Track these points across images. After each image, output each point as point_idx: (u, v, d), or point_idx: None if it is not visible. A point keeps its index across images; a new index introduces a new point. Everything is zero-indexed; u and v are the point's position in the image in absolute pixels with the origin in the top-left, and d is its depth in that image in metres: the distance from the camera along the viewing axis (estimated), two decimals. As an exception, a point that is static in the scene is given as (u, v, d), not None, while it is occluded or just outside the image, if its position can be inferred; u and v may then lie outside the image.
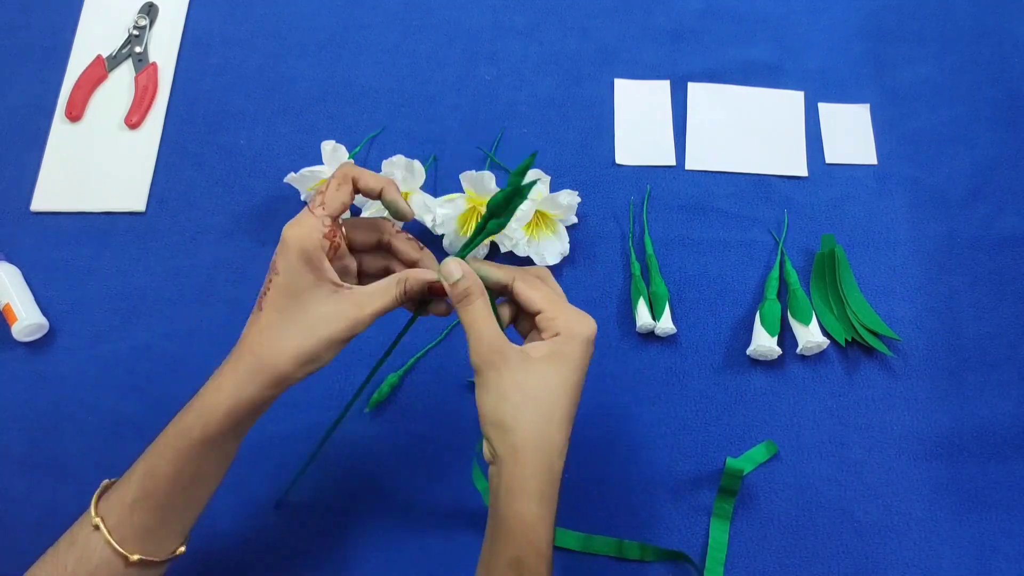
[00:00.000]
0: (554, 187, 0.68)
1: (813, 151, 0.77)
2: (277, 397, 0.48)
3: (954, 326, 0.70)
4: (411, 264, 0.51)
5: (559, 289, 0.51)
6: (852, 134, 0.77)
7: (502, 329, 0.49)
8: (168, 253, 0.72)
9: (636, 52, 0.81)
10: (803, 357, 0.68)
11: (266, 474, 0.63)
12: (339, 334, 0.46)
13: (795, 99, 0.79)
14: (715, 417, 0.66)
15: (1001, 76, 0.80)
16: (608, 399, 0.66)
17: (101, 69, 0.79)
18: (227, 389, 0.47)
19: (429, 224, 0.68)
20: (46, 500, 0.63)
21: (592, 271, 0.71)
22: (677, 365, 0.68)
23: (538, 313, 0.48)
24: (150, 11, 0.82)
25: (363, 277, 0.52)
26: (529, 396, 0.46)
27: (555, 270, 0.70)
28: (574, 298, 0.50)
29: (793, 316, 0.68)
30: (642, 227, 0.73)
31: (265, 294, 0.47)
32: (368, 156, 0.76)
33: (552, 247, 0.69)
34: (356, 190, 0.49)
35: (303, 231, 0.47)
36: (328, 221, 0.47)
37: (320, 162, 0.69)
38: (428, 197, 0.69)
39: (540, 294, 0.49)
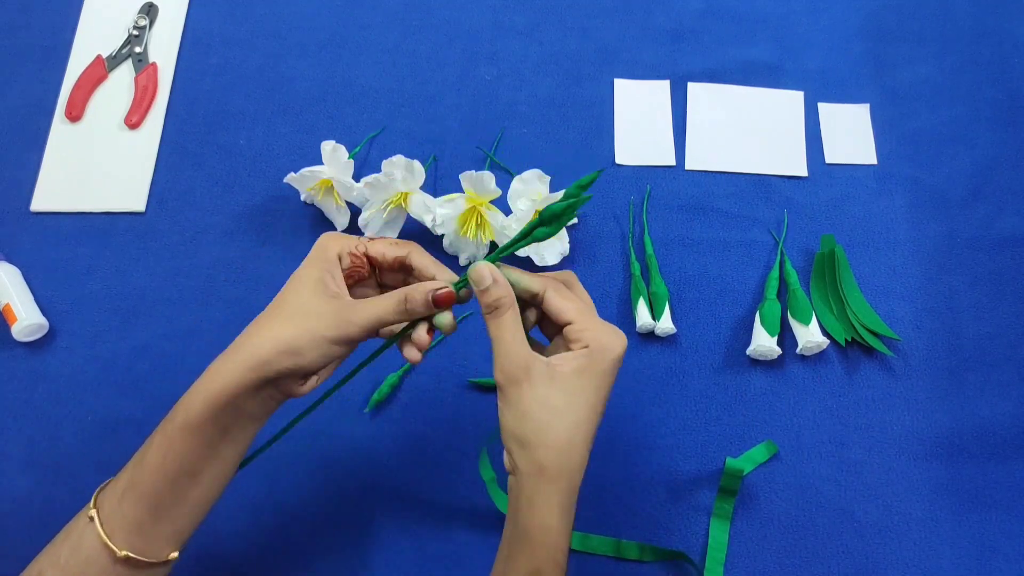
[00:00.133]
0: (554, 187, 0.68)
1: (813, 151, 0.77)
2: (260, 394, 0.46)
3: (954, 326, 0.70)
4: (429, 279, 0.49)
5: (587, 297, 0.50)
6: (852, 134, 0.77)
7: (527, 332, 0.49)
8: (168, 253, 0.72)
9: (636, 52, 0.81)
10: (803, 357, 0.68)
11: (264, 475, 0.63)
12: (322, 330, 0.45)
13: (795, 99, 0.79)
14: (715, 417, 0.66)
15: (1001, 76, 0.80)
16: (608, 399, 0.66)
17: (101, 69, 0.79)
18: (208, 375, 0.46)
19: (429, 224, 0.68)
20: (46, 500, 0.63)
21: (592, 271, 0.71)
22: (677, 365, 0.68)
23: (568, 324, 0.47)
24: (150, 11, 0.82)
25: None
26: (554, 413, 0.45)
27: (554, 270, 0.70)
28: (574, 298, 0.50)
29: (793, 316, 0.68)
30: (642, 227, 0.73)
31: None
32: (368, 156, 0.76)
33: (552, 247, 0.69)
34: (409, 264, 0.49)
35: (335, 239, 0.49)
36: (363, 248, 0.48)
37: (320, 162, 0.69)
38: (428, 197, 0.69)
39: (572, 306, 0.48)
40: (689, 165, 0.76)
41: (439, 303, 0.47)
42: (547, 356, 0.50)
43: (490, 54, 0.80)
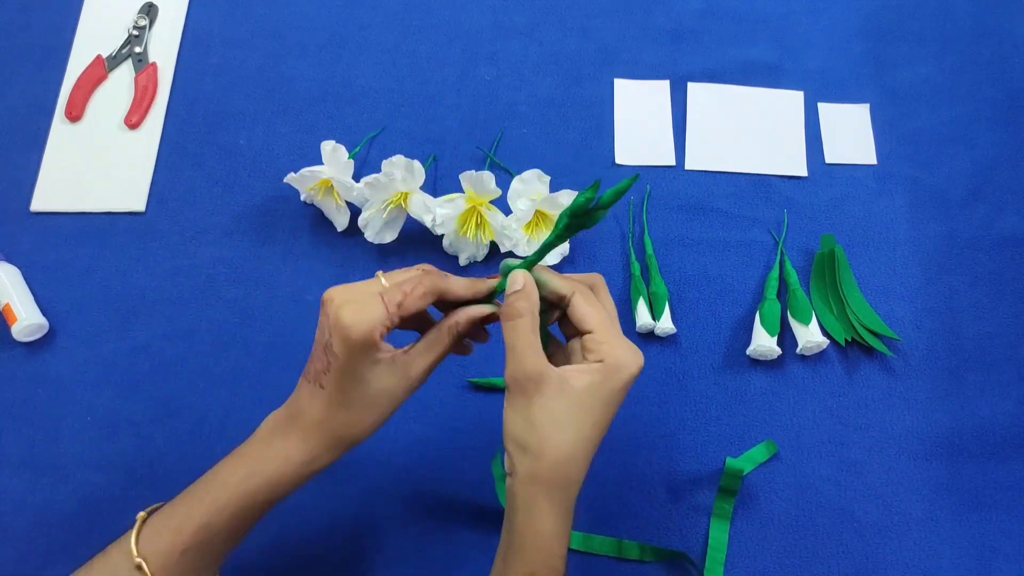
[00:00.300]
0: (554, 187, 0.68)
1: (813, 151, 0.77)
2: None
3: (954, 326, 0.70)
4: (462, 301, 0.49)
5: (611, 304, 0.50)
6: (852, 134, 0.77)
7: (547, 327, 0.49)
8: (168, 253, 0.72)
9: (636, 52, 0.81)
10: (803, 357, 0.68)
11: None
12: (402, 396, 0.48)
13: (795, 99, 0.79)
14: (715, 417, 0.66)
15: (1001, 76, 0.80)
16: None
17: (101, 69, 0.79)
18: (298, 459, 0.47)
19: (429, 224, 0.68)
20: (46, 500, 0.63)
21: (592, 271, 0.71)
22: (677, 365, 0.68)
23: (588, 333, 0.47)
24: (150, 11, 0.82)
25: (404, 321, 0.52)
26: (559, 426, 0.45)
27: (555, 270, 0.70)
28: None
29: (793, 316, 0.68)
30: (642, 227, 0.73)
31: (325, 373, 0.46)
32: (368, 156, 0.76)
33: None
34: (442, 300, 0.49)
35: (366, 322, 0.44)
36: (396, 321, 0.46)
37: (320, 162, 0.69)
38: (428, 197, 0.69)
39: (595, 314, 0.47)
40: (689, 165, 0.76)
41: (486, 323, 0.50)
42: (562, 355, 0.50)
43: (490, 54, 0.80)
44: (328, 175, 0.69)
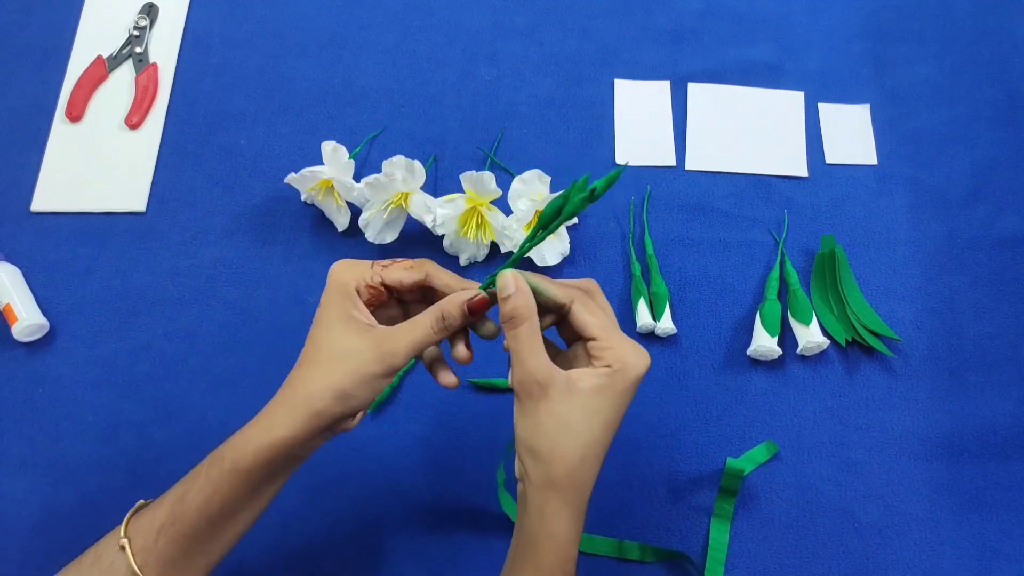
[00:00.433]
0: (554, 187, 0.68)
1: (813, 151, 0.77)
2: (314, 440, 0.47)
3: (954, 326, 0.70)
4: (447, 292, 0.49)
5: (609, 308, 0.49)
6: (852, 134, 0.77)
7: (543, 331, 0.48)
8: (168, 253, 0.72)
9: (636, 52, 0.81)
10: (803, 357, 0.68)
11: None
12: (369, 368, 0.46)
13: (795, 99, 0.79)
14: (715, 417, 0.66)
15: (1001, 76, 0.80)
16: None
17: (101, 69, 0.79)
18: (262, 424, 0.46)
19: (429, 224, 0.68)
20: (46, 500, 0.63)
21: (592, 271, 0.71)
22: (677, 365, 0.68)
23: (592, 340, 0.47)
24: (150, 11, 0.82)
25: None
26: (569, 429, 0.45)
27: (555, 270, 0.70)
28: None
29: (793, 316, 0.68)
30: (642, 227, 0.73)
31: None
32: (368, 156, 0.76)
33: (552, 247, 0.69)
34: (429, 284, 0.49)
35: (348, 272, 0.47)
36: (379, 279, 0.47)
37: (320, 162, 0.69)
38: (428, 197, 0.68)
39: (596, 321, 0.47)
40: (689, 165, 0.76)
41: (474, 311, 0.47)
42: (564, 360, 0.50)
43: (490, 54, 0.80)
44: (329, 175, 0.69)
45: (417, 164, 0.66)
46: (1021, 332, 0.69)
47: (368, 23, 0.82)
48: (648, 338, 0.69)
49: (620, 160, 0.76)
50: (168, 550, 0.46)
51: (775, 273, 0.70)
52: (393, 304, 0.51)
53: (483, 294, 0.48)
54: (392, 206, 0.68)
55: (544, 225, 0.48)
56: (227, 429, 0.64)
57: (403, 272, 0.48)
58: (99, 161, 0.75)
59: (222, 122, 0.77)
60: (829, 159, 0.76)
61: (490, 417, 0.66)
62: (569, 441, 0.45)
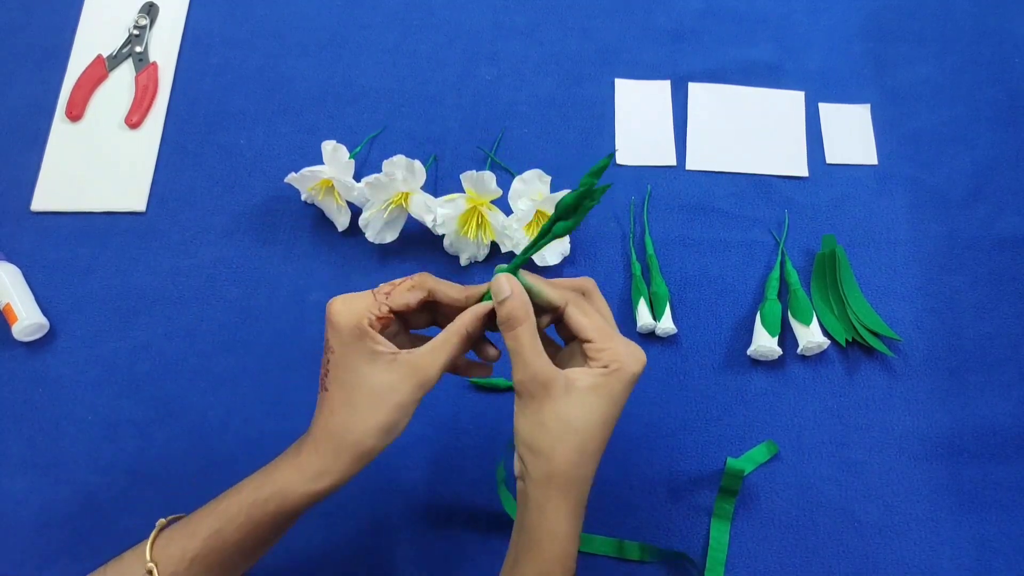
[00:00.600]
0: (554, 187, 0.68)
1: (813, 151, 0.77)
2: (359, 472, 0.48)
3: (954, 326, 0.70)
4: (454, 304, 0.50)
5: (606, 307, 0.50)
6: (852, 134, 0.77)
7: (542, 331, 0.49)
8: (168, 253, 0.72)
9: (636, 52, 0.81)
10: (804, 357, 0.68)
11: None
12: (409, 397, 0.46)
13: (795, 99, 0.79)
14: (715, 417, 0.66)
15: (1001, 76, 0.80)
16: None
17: (101, 69, 0.79)
18: (310, 471, 0.47)
19: (429, 224, 0.68)
20: (46, 500, 0.63)
21: (592, 271, 0.71)
22: (678, 365, 0.68)
23: (587, 342, 0.47)
24: (150, 11, 0.82)
25: (411, 333, 0.52)
26: (568, 427, 0.46)
27: (556, 270, 0.70)
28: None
29: (794, 316, 0.68)
30: (643, 227, 0.73)
31: (327, 375, 0.47)
32: (368, 156, 0.76)
33: (552, 247, 0.69)
34: (432, 299, 0.49)
35: (352, 311, 0.46)
36: (385, 309, 0.47)
37: (320, 162, 0.69)
38: (429, 197, 0.68)
39: (591, 324, 0.47)
40: (690, 165, 0.76)
41: (492, 318, 0.49)
42: (562, 357, 0.51)
43: (490, 54, 0.80)
44: (329, 175, 0.68)
45: (417, 164, 0.66)
46: (1021, 332, 0.69)
47: (368, 23, 0.82)
48: (648, 338, 0.69)
49: (621, 160, 0.76)
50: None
51: (775, 273, 0.70)
52: (394, 321, 0.51)
53: (492, 304, 0.49)
54: (392, 206, 0.68)
55: (559, 218, 0.48)
56: (227, 429, 0.65)
57: (408, 295, 0.48)
58: (99, 161, 0.75)
59: (222, 122, 0.77)
60: (829, 159, 0.76)
61: (490, 417, 0.66)
62: (569, 438, 0.46)
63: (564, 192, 0.67)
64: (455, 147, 0.76)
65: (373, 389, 0.46)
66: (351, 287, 0.53)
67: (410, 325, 0.52)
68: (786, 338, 0.68)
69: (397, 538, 0.62)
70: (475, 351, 0.52)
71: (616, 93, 0.79)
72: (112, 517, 0.62)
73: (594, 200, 0.48)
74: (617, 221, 0.73)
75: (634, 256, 0.71)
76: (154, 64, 0.79)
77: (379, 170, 0.67)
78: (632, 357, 0.47)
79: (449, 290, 0.49)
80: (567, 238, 0.70)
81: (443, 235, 0.70)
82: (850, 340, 0.68)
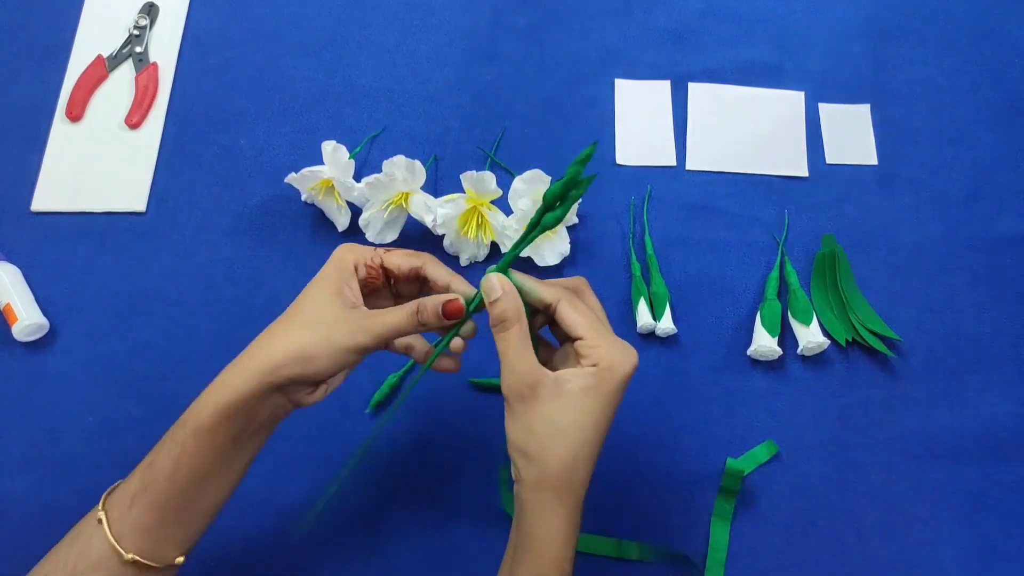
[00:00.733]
0: (554, 187, 0.68)
1: (813, 151, 0.77)
2: (269, 401, 0.47)
3: (954, 326, 0.70)
4: (443, 290, 0.50)
5: (598, 305, 0.50)
6: (852, 134, 0.77)
7: (536, 332, 0.49)
8: (168, 253, 0.72)
9: (636, 52, 0.81)
10: (804, 357, 0.68)
11: (265, 475, 0.63)
12: (337, 335, 0.46)
13: (795, 99, 0.79)
14: (715, 417, 0.66)
15: (1001, 76, 0.80)
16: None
17: (101, 69, 0.79)
18: (217, 383, 0.47)
19: (430, 224, 0.68)
20: (46, 500, 0.63)
21: (592, 271, 0.71)
22: (677, 365, 0.68)
23: (578, 340, 0.47)
24: (150, 11, 0.82)
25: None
26: (559, 430, 0.45)
27: (555, 270, 0.70)
28: (575, 298, 0.50)
29: (794, 316, 0.68)
30: (642, 227, 0.73)
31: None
32: (369, 156, 0.76)
33: (552, 247, 0.69)
34: (424, 275, 0.50)
35: (351, 251, 0.50)
36: (379, 260, 0.49)
37: (320, 162, 0.69)
38: (429, 197, 0.68)
39: (583, 320, 0.47)
40: (690, 165, 0.76)
41: (449, 315, 0.48)
42: (557, 359, 0.50)
43: (490, 54, 0.80)
44: (329, 175, 0.68)
45: (417, 164, 0.66)
46: (1021, 332, 0.69)
47: (368, 23, 0.82)
48: (648, 338, 0.69)
49: (621, 160, 0.75)
50: (142, 518, 0.46)
51: (775, 273, 0.70)
52: (387, 295, 0.52)
53: (459, 300, 0.49)
54: (392, 206, 0.68)
55: (547, 209, 0.48)
56: (227, 429, 0.65)
57: (402, 258, 0.50)
58: (99, 161, 0.75)
59: (222, 122, 0.77)
60: (829, 159, 0.76)
61: (490, 417, 0.66)
62: (559, 442, 0.45)
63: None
64: (455, 147, 0.76)
65: (311, 317, 0.47)
66: (365, 297, 0.53)
67: (399, 293, 0.53)
68: (786, 338, 0.68)
69: (397, 538, 0.62)
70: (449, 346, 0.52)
71: (616, 93, 0.79)
72: (112, 517, 0.62)
73: (581, 189, 0.47)
74: (617, 221, 0.73)
75: (634, 256, 0.71)
76: (154, 64, 0.79)
77: (379, 170, 0.67)
78: (623, 356, 0.46)
79: (440, 271, 0.50)
80: (567, 238, 0.70)
81: (443, 235, 0.70)
82: (850, 340, 0.68)
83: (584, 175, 0.47)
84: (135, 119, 0.76)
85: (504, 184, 0.69)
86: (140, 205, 0.73)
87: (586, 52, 0.81)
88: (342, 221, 0.71)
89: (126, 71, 0.79)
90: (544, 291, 0.48)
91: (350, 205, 0.71)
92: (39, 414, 0.66)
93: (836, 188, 0.75)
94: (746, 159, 0.76)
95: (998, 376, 0.68)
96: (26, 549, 0.61)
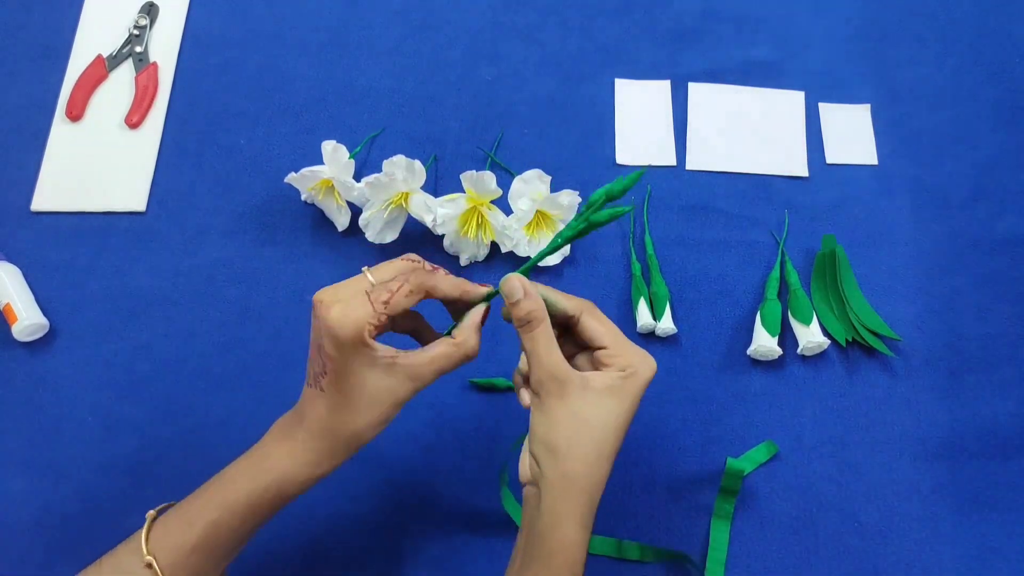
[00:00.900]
0: (554, 187, 0.68)
1: (813, 151, 0.77)
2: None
3: (955, 326, 0.70)
4: (454, 301, 0.50)
5: (610, 322, 0.51)
6: (852, 134, 0.77)
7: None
8: (168, 253, 0.72)
9: (636, 52, 0.81)
10: (804, 357, 0.68)
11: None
12: (405, 397, 0.48)
13: (795, 99, 0.79)
14: (715, 417, 0.66)
15: (1002, 76, 0.80)
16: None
17: (101, 69, 0.79)
18: (303, 460, 0.48)
19: (429, 224, 0.68)
20: (46, 500, 0.63)
21: (593, 271, 0.71)
22: (677, 365, 0.68)
23: (601, 348, 0.49)
24: (150, 11, 0.82)
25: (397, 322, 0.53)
26: (585, 425, 0.47)
27: (555, 270, 0.70)
28: (575, 298, 0.50)
29: (794, 316, 0.68)
30: (643, 227, 0.73)
31: (323, 375, 0.47)
32: (368, 156, 0.76)
33: (552, 247, 0.69)
34: (432, 298, 0.50)
35: (352, 322, 0.44)
36: (384, 318, 0.46)
37: (320, 162, 0.69)
38: (429, 197, 0.68)
39: (606, 330, 0.49)
40: (690, 165, 0.76)
41: (483, 323, 0.50)
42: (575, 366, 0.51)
43: (490, 54, 0.80)
44: (329, 175, 0.68)
45: (417, 164, 0.66)
46: (1021, 332, 0.69)
47: (368, 23, 0.82)
48: (648, 338, 0.69)
49: (620, 159, 0.75)
50: (198, 566, 0.47)
51: (775, 273, 0.70)
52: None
53: (487, 308, 0.50)
54: (392, 206, 0.68)
55: (564, 242, 0.50)
56: (227, 429, 0.65)
57: (405, 300, 0.47)
58: (99, 161, 0.75)
59: (222, 122, 0.77)
60: (829, 159, 0.76)
61: (490, 417, 0.66)
62: (584, 436, 0.47)
63: (561, 194, 0.67)
64: (455, 147, 0.76)
65: (372, 392, 0.47)
66: None
67: (396, 326, 0.52)
68: (786, 338, 0.68)
69: (397, 539, 0.62)
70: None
71: (616, 93, 0.79)
72: (112, 517, 0.62)
73: (615, 213, 0.50)
74: (617, 221, 0.73)
75: (634, 256, 0.71)
76: (154, 64, 0.79)
77: (379, 170, 0.67)
78: (645, 363, 0.49)
79: (446, 288, 0.49)
80: (567, 238, 0.70)
81: (443, 235, 0.70)
82: (850, 340, 0.68)
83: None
84: (135, 119, 0.76)
85: (504, 184, 0.69)
86: (140, 205, 0.73)
87: (586, 52, 0.80)
88: (342, 221, 0.71)
89: (126, 71, 0.79)
90: (568, 303, 0.50)
91: (350, 205, 0.71)
92: (39, 414, 0.66)
93: (836, 188, 0.75)
94: (746, 159, 0.76)
95: (998, 376, 0.68)
96: (27, 549, 0.61)
